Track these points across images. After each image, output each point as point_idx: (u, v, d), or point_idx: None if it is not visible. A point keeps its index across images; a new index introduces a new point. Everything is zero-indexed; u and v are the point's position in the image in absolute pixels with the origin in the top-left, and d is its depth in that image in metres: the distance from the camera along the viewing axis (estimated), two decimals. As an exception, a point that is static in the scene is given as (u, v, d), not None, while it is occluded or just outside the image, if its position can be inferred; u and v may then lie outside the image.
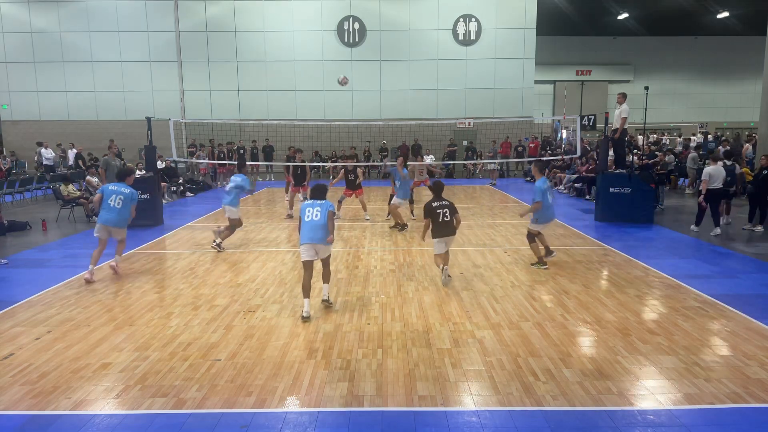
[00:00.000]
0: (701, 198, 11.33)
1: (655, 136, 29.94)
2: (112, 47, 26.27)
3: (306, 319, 6.44)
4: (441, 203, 7.85)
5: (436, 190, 8.08)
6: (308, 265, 6.66)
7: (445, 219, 7.77)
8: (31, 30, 26.09)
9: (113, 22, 26.09)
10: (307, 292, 6.57)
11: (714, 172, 11.51)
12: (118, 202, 8.39)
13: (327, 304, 6.91)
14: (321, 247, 6.69)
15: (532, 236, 8.87)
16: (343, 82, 16.39)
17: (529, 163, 23.84)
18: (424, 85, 26.87)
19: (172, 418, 4.33)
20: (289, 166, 14.39)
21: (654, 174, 14.47)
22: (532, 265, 8.82)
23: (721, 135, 28.16)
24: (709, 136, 25.77)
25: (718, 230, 11.30)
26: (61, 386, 4.86)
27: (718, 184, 11.43)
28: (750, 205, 11.91)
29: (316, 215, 6.68)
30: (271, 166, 23.78)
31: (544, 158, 21.69)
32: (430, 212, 7.83)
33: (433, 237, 7.89)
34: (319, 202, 6.81)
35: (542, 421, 4.24)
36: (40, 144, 22.96)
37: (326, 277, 6.96)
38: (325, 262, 6.91)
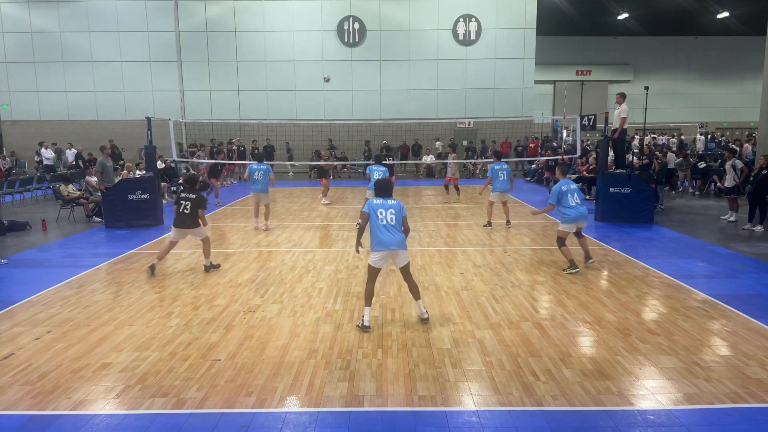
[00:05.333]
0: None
1: (655, 136, 29.98)
2: (112, 47, 26.27)
3: (366, 329, 6.06)
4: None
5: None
6: (375, 273, 6.24)
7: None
8: (31, 30, 26.08)
9: (113, 22, 26.09)
10: (369, 299, 6.19)
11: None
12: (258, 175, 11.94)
13: (424, 322, 6.30)
14: (400, 253, 6.14)
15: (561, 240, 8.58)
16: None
17: (530, 163, 23.87)
18: (424, 85, 26.87)
19: (172, 418, 4.33)
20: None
21: (653, 174, 14.50)
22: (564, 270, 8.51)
23: (721, 134, 28.26)
24: (709, 137, 25.88)
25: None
26: (61, 386, 4.85)
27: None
28: (750, 204, 11.92)
29: (391, 219, 6.08)
30: (271, 166, 23.75)
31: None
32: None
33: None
34: (390, 202, 6.17)
35: (542, 421, 4.24)
36: (41, 144, 22.96)
37: (416, 293, 6.36)
38: (407, 273, 6.30)
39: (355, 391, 4.72)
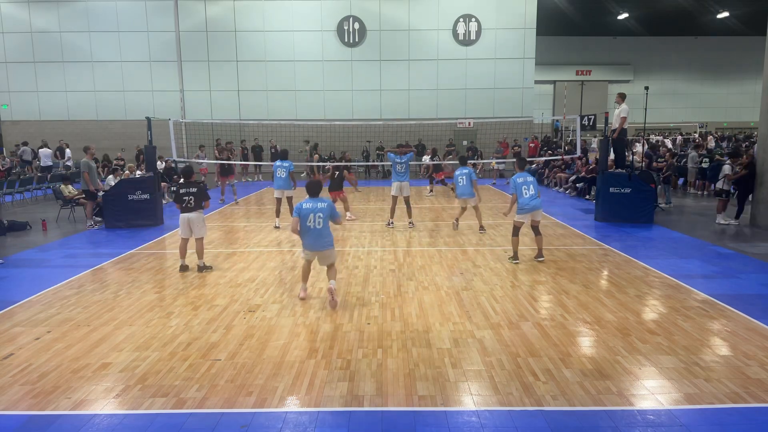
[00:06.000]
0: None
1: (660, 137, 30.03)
2: (112, 47, 26.28)
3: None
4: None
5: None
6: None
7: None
8: (31, 30, 26.08)
9: (113, 22, 26.09)
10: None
11: None
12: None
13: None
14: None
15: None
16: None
17: (530, 163, 23.84)
18: (424, 85, 26.86)
19: (172, 418, 4.33)
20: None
21: (661, 174, 14.51)
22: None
23: (723, 133, 28.26)
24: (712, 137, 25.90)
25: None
26: (61, 386, 4.86)
27: None
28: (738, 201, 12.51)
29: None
30: (259, 166, 23.84)
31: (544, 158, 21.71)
32: None
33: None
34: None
35: (542, 421, 4.24)
36: (44, 145, 22.91)
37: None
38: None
39: (355, 391, 4.72)
